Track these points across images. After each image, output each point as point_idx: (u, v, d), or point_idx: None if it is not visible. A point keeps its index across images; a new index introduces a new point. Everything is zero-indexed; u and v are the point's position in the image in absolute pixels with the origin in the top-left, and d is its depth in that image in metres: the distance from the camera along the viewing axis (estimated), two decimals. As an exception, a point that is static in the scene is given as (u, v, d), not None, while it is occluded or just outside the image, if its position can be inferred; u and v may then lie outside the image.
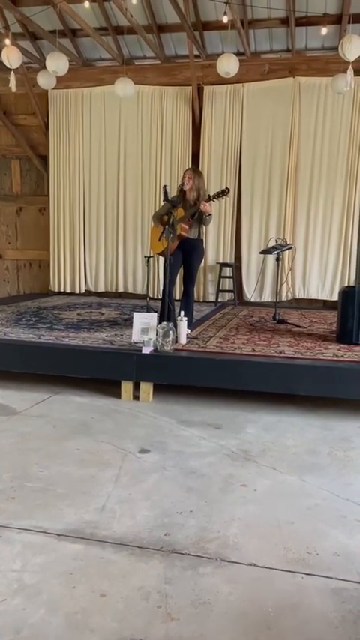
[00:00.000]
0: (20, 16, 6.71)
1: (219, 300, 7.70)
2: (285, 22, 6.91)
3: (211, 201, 5.13)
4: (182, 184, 5.23)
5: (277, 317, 6.08)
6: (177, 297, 6.26)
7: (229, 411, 4.13)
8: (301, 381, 4.14)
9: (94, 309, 6.97)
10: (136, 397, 4.34)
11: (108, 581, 2.08)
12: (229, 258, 7.83)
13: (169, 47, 7.71)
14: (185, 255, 5.25)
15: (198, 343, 4.78)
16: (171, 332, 4.36)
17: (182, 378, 4.36)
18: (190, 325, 5.13)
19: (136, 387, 4.36)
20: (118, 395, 4.36)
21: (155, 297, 7.34)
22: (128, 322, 5.60)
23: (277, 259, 6.19)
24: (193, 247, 5.23)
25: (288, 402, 4.29)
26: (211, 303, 7.64)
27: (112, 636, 1.80)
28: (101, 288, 8.42)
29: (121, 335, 5.11)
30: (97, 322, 5.88)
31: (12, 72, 6.17)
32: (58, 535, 2.39)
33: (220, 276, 7.65)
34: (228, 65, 6.33)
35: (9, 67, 6.18)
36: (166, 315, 4.81)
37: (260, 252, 6.76)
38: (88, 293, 8.47)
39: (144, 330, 4.55)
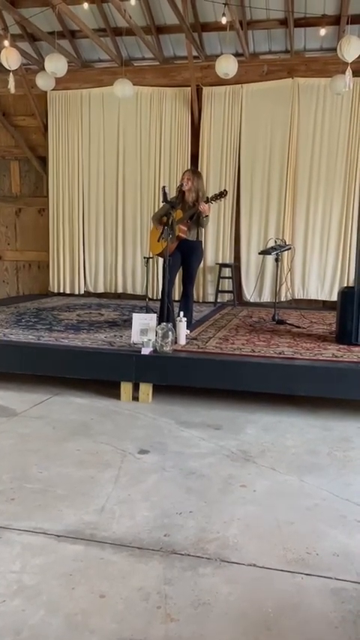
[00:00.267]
0: (19, 17, 6.71)
1: (218, 300, 7.70)
2: (283, 22, 6.92)
3: (210, 203, 5.13)
4: (181, 185, 5.23)
5: (276, 317, 6.08)
6: (176, 298, 6.27)
7: (228, 412, 4.13)
8: (301, 382, 4.14)
9: (93, 310, 6.97)
10: (135, 398, 4.34)
11: (108, 582, 2.08)
12: (229, 258, 7.83)
13: (168, 48, 7.72)
14: (184, 257, 5.25)
15: (197, 344, 4.78)
16: (170, 333, 4.36)
17: (182, 379, 4.36)
18: (190, 326, 5.13)
19: (136, 388, 4.36)
20: (117, 396, 4.36)
21: (154, 298, 7.34)
22: (127, 323, 5.60)
23: (277, 260, 6.19)
24: (191, 249, 5.23)
25: (287, 403, 4.29)
26: (211, 304, 7.64)
27: (111, 637, 1.80)
28: (100, 289, 8.42)
29: (121, 336, 5.11)
30: (96, 323, 5.88)
31: (11, 73, 6.17)
32: (58, 536, 2.39)
33: (220, 277, 7.66)
34: (227, 66, 6.34)
35: (8, 68, 6.19)
36: (165, 316, 4.81)
37: (259, 253, 6.76)
38: (88, 294, 8.47)
39: (143, 330, 4.55)
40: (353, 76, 5.96)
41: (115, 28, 7.32)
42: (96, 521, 2.52)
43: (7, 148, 8.70)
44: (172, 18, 6.66)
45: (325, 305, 7.60)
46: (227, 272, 7.71)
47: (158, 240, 4.98)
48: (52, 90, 7.68)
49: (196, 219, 5.15)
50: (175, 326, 4.58)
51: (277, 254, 6.11)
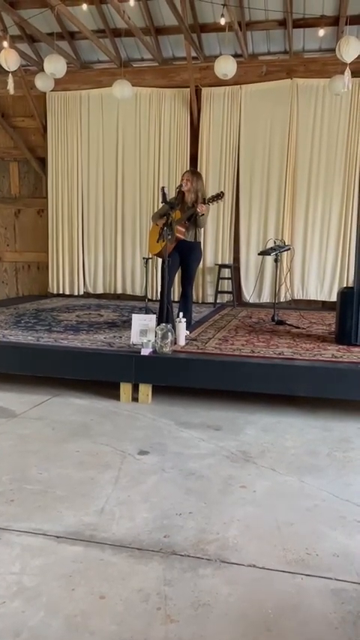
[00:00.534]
0: (18, 18, 6.71)
1: (218, 301, 7.70)
2: (282, 23, 6.92)
3: (207, 205, 5.12)
4: (180, 186, 5.23)
5: (275, 318, 6.08)
6: (176, 299, 6.27)
7: (228, 413, 4.13)
8: (300, 382, 4.14)
9: (92, 310, 6.97)
10: (135, 399, 4.34)
11: (107, 583, 2.08)
12: (228, 259, 7.83)
13: (167, 49, 7.72)
14: (183, 257, 5.24)
15: (197, 345, 4.78)
16: (170, 333, 4.36)
17: (181, 380, 4.36)
18: (189, 327, 5.13)
19: (135, 389, 4.36)
20: (117, 397, 4.36)
21: (154, 298, 7.34)
22: (127, 324, 5.60)
23: (276, 260, 6.19)
24: (190, 249, 5.22)
25: (287, 403, 4.29)
26: (210, 305, 7.64)
27: (111, 638, 1.80)
28: (100, 290, 8.42)
29: (120, 337, 5.11)
30: (95, 324, 5.88)
31: (10, 74, 6.18)
32: (58, 537, 2.39)
33: (219, 278, 7.66)
34: (225, 67, 6.34)
35: (7, 69, 6.19)
36: (164, 317, 4.81)
37: (259, 254, 6.76)
38: (87, 295, 8.47)
39: (143, 331, 4.55)
40: (352, 77, 5.96)
41: (114, 29, 7.32)
42: (96, 522, 2.51)
43: (6, 149, 8.70)
44: (171, 19, 6.66)
45: (325, 305, 7.61)
46: (227, 273, 7.71)
47: (157, 241, 4.98)
48: (52, 91, 7.70)
49: (195, 220, 5.14)
50: (174, 327, 4.58)
51: (276, 255, 6.11)
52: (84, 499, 2.73)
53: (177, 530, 2.46)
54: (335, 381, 4.10)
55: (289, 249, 6.78)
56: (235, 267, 7.78)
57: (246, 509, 2.66)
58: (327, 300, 7.56)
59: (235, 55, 7.04)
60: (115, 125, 8.04)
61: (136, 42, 7.45)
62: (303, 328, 5.77)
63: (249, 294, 7.80)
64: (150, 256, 6.23)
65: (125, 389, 4.35)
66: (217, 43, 7.42)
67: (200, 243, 5.49)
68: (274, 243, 6.46)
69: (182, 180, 5.25)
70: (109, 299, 8.26)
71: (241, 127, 7.62)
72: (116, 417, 4.01)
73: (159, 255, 5.20)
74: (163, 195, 4.83)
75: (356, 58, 5.79)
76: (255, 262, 7.70)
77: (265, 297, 7.75)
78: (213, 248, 7.87)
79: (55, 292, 8.51)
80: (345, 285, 7.10)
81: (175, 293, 6.93)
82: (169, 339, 4.35)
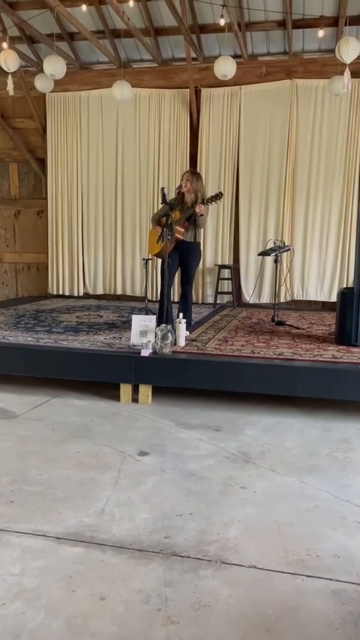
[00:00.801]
0: (17, 19, 6.72)
1: (217, 302, 7.70)
2: (282, 24, 6.93)
3: (206, 205, 5.12)
4: (180, 186, 5.23)
5: (275, 319, 6.08)
6: (176, 300, 6.26)
7: (228, 413, 4.13)
8: (300, 383, 4.13)
9: (92, 311, 6.96)
10: (135, 400, 4.34)
11: (108, 584, 2.07)
12: (228, 260, 7.83)
13: (167, 50, 7.72)
14: (182, 258, 5.24)
15: (197, 345, 4.78)
16: (170, 334, 4.36)
17: (181, 381, 4.36)
18: (189, 327, 5.13)
19: (135, 390, 4.36)
20: (117, 397, 4.36)
21: (154, 299, 7.34)
22: (127, 325, 5.60)
23: (276, 261, 6.19)
24: (189, 250, 5.22)
25: (287, 404, 4.29)
26: (210, 305, 7.64)
27: (112, 640, 1.79)
28: (100, 291, 8.42)
29: (120, 337, 5.11)
30: (95, 325, 5.88)
31: (10, 75, 6.18)
32: (58, 539, 2.38)
33: (219, 278, 7.66)
34: (225, 68, 6.34)
35: (6, 70, 6.19)
36: (164, 318, 4.81)
37: (258, 254, 6.76)
38: (87, 296, 8.46)
39: (143, 332, 4.55)
40: (352, 77, 5.96)
41: (114, 30, 7.33)
42: (96, 523, 2.51)
43: (5, 150, 8.69)
44: (171, 20, 6.67)
45: (325, 306, 7.60)
46: (226, 273, 7.71)
47: (157, 242, 4.98)
48: (51, 92, 7.71)
49: (194, 221, 5.14)
50: (174, 327, 4.58)
51: (276, 255, 6.11)
52: (84, 500, 2.73)
53: (177, 531, 2.45)
54: (335, 382, 4.10)
55: (289, 249, 6.78)
56: (235, 268, 7.78)
57: (246, 510, 2.66)
58: (327, 300, 7.56)
59: (235, 56, 7.04)
60: (115, 126, 8.04)
61: (135, 43, 7.45)
62: (303, 329, 5.77)
63: (249, 295, 7.80)
64: (150, 257, 6.23)
65: (125, 390, 4.35)
66: (217, 44, 7.42)
67: (200, 243, 5.49)
68: (274, 243, 6.46)
69: (182, 180, 5.25)
70: (108, 300, 8.26)
71: (240, 127, 7.62)
72: (116, 417, 4.00)
73: (158, 255, 5.20)
74: (163, 196, 4.84)
75: (356, 59, 5.79)
76: (255, 263, 7.70)
77: (265, 298, 7.75)
78: (213, 248, 7.87)
79: (54, 293, 8.51)
80: (345, 286, 7.11)
81: (175, 294, 6.93)
82: (169, 340, 4.35)
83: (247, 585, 2.09)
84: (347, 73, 5.80)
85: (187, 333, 4.91)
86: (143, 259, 6.94)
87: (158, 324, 4.52)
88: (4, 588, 2.04)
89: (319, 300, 7.66)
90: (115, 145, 8.08)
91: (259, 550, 2.31)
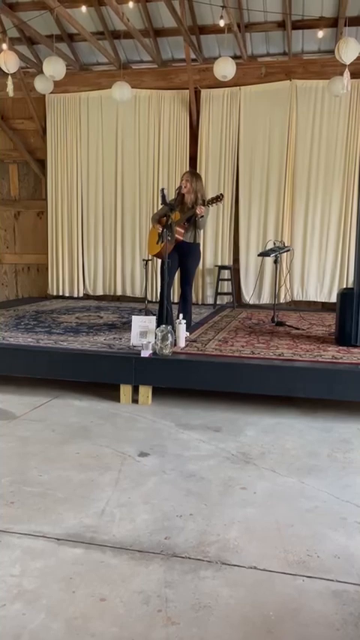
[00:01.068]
0: (17, 20, 6.72)
1: (217, 302, 7.70)
2: (281, 25, 6.93)
3: (206, 207, 5.11)
4: (180, 187, 5.23)
5: (275, 319, 6.08)
6: (175, 300, 6.26)
7: (228, 414, 4.12)
8: (300, 384, 4.14)
9: (92, 312, 6.96)
10: (135, 400, 4.34)
11: (108, 585, 2.07)
12: (227, 260, 7.83)
13: (166, 51, 7.73)
14: (181, 259, 5.24)
15: (197, 346, 4.77)
16: (170, 335, 4.36)
17: (181, 381, 4.36)
18: (189, 328, 5.13)
19: (135, 391, 4.36)
20: (117, 398, 4.36)
21: (153, 300, 7.34)
22: (127, 325, 5.60)
23: (275, 262, 6.19)
24: (188, 250, 5.22)
25: (287, 405, 4.29)
26: (210, 306, 7.64)
27: (112, 641, 1.79)
28: (99, 292, 8.42)
29: (120, 338, 5.11)
30: (95, 326, 5.88)
31: (9, 76, 6.19)
32: (58, 540, 2.38)
33: (219, 279, 7.66)
34: (225, 68, 6.35)
35: (6, 71, 6.20)
36: (164, 318, 4.81)
37: (258, 255, 6.76)
38: (87, 297, 8.46)
39: (143, 333, 4.55)
40: (351, 78, 5.97)
41: (114, 31, 7.33)
42: (96, 524, 2.51)
43: (5, 151, 8.69)
44: (170, 21, 6.67)
45: (325, 306, 7.61)
46: (226, 274, 7.71)
47: (157, 243, 4.98)
48: (51, 93, 7.71)
49: (194, 222, 5.14)
50: (174, 328, 4.58)
51: (276, 256, 6.10)
52: (84, 501, 2.73)
53: (177, 531, 2.45)
54: (335, 383, 4.10)
55: (289, 250, 6.78)
56: (235, 269, 7.78)
57: (246, 511, 2.65)
58: (327, 301, 7.56)
59: (234, 57, 7.04)
60: (115, 127, 8.05)
61: (135, 44, 7.46)
62: (303, 329, 5.77)
63: (249, 296, 7.80)
64: (150, 258, 6.23)
65: (125, 391, 4.35)
66: (216, 45, 7.43)
67: (199, 244, 5.48)
68: (274, 244, 6.46)
69: (181, 181, 5.25)
70: (108, 301, 8.26)
71: (240, 128, 7.62)
72: (116, 418, 4.00)
73: (158, 255, 5.20)
74: (163, 196, 4.83)
75: (355, 60, 5.80)
76: (255, 263, 7.70)
77: (265, 299, 7.75)
78: (212, 249, 7.87)
79: (54, 294, 8.51)
80: (345, 287, 7.11)
81: (175, 294, 6.93)
82: (169, 341, 4.35)
83: (248, 586, 2.08)
84: (347, 73, 5.80)
85: (187, 333, 4.91)
86: (143, 260, 6.94)
87: (158, 325, 4.52)
88: (4, 589, 2.04)
89: (318, 300, 7.66)
90: (114, 146, 8.09)
91: (259, 551, 2.31)
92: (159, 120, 7.86)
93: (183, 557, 2.25)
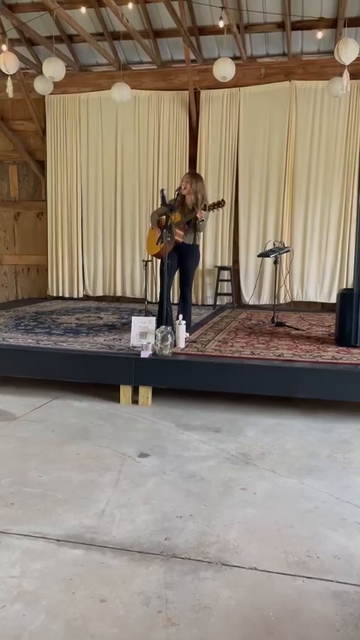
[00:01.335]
0: (17, 21, 6.72)
1: (217, 303, 7.70)
2: (281, 26, 6.93)
3: (207, 211, 5.10)
4: (180, 188, 5.23)
5: (275, 320, 6.08)
6: (175, 301, 6.26)
7: (228, 415, 4.12)
8: (300, 384, 4.13)
9: (92, 313, 6.96)
10: (135, 401, 4.33)
11: (108, 586, 2.07)
12: (227, 261, 7.82)
13: (166, 52, 7.73)
14: (180, 259, 5.23)
15: (197, 347, 4.77)
16: (169, 336, 4.36)
17: (181, 382, 4.36)
18: (189, 329, 5.13)
19: (135, 391, 4.36)
20: (117, 399, 4.36)
21: (153, 301, 7.34)
22: (127, 326, 5.60)
23: (275, 262, 6.19)
24: (188, 251, 5.22)
25: (287, 405, 4.29)
26: (210, 307, 7.64)
27: (112, 642, 1.79)
28: (99, 293, 8.42)
29: (120, 339, 5.11)
30: (95, 327, 5.88)
31: (9, 78, 6.19)
32: (58, 540, 2.38)
33: (218, 280, 7.66)
34: (224, 69, 6.35)
35: (6, 72, 6.20)
36: (164, 319, 4.81)
37: (258, 256, 6.76)
38: (87, 297, 8.46)
39: (142, 334, 4.55)
40: (351, 79, 5.97)
41: (113, 32, 7.33)
42: (96, 525, 2.51)
43: (5, 153, 8.70)
44: (170, 22, 6.67)
45: (324, 307, 7.61)
46: (226, 275, 7.71)
47: (157, 244, 4.98)
48: (50, 94, 7.71)
49: (194, 224, 5.13)
50: (174, 329, 4.58)
51: (275, 256, 6.11)
52: (84, 502, 2.73)
53: (177, 532, 2.45)
54: (335, 383, 4.10)
55: (289, 250, 6.79)
56: (235, 269, 7.78)
57: (246, 512, 2.65)
58: (326, 301, 7.56)
59: (234, 58, 7.05)
60: (114, 128, 8.05)
61: (134, 45, 7.46)
62: (303, 330, 5.76)
63: (248, 296, 7.80)
64: (149, 258, 6.22)
65: (125, 391, 4.35)
66: (216, 46, 7.43)
67: (199, 246, 5.48)
68: (274, 245, 6.46)
69: (182, 182, 5.24)
70: (108, 301, 8.26)
71: (240, 129, 7.62)
72: (116, 419, 4.00)
73: (157, 255, 5.20)
74: (162, 197, 4.83)
75: (355, 60, 5.81)
76: (254, 264, 7.70)
77: (265, 299, 7.75)
78: (212, 250, 7.87)
79: (54, 295, 8.51)
80: (344, 287, 7.11)
81: (175, 295, 6.93)
82: (168, 342, 4.35)
83: (248, 587, 2.08)
84: (346, 74, 5.81)
85: (187, 334, 4.91)
86: (143, 261, 6.94)
87: (158, 326, 4.52)
88: (4, 590, 2.03)
89: (318, 301, 7.66)
90: (114, 147, 8.09)
91: (259, 551, 2.31)
92: (159, 121, 7.87)
93: (183, 558, 2.25)
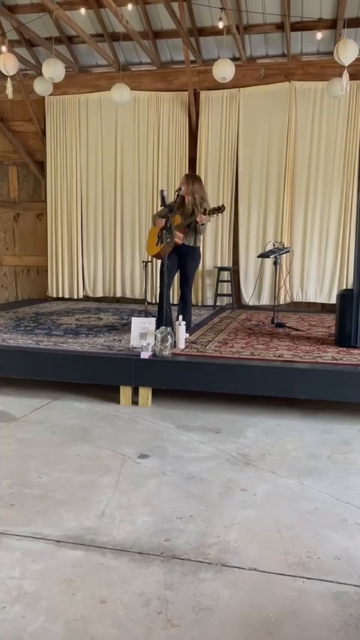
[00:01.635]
0: (16, 23, 6.73)
1: (217, 304, 7.70)
2: (280, 26, 6.94)
3: (208, 216, 5.09)
4: (179, 189, 5.23)
5: (275, 320, 6.08)
6: (175, 302, 6.26)
7: (228, 415, 4.12)
8: (300, 385, 4.13)
9: (92, 314, 6.96)
10: (135, 402, 4.33)
11: (108, 587, 2.07)
12: (227, 262, 7.83)
13: (165, 53, 7.74)
14: (181, 260, 5.23)
15: (197, 347, 4.77)
16: (169, 336, 4.36)
17: (181, 383, 4.35)
18: (189, 329, 5.12)
19: (135, 392, 4.35)
20: (117, 400, 4.35)
21: (153, 301, 7.34)
22: (126, 327, 5.60)
23: (275, 263, 6.19)
24: (188, 253, 5.21)
25: (287, 406, 4.29)
26: (210, 307, 7.64)
27: (112, 643, 1.79)
28: (99, 294, 8.42)
29: (120, 340, 5.11)
30: (95, 327, 5.87)
31: (9, 79, 6.20)
32: (58, 542, 2.38)
33: (218, 281, 7.66)
34: (224, 70, 6.35)
35: (5, 73, 6.21)
36: (164, 320, 4.81)
37: (258, 256, 6.76)
38: (86, 298, 8.46)
39: (142, 334, 4.55)
40: (350, 80, 5.97)
41: (113, 33, 7.34)
42: (96, 526, 2.51)
43: (5, 153, 8.71)
44: (169, 23, 6.68)
45: (324, 308, 7.61)
46: (226, 275, 7.71)
47: (157, 244, 4.98)
48: (50, 95, 7.72)
49: (194, 227, 5.13)
50: (174, 330, 4.58)
51: (275, 257, 6.11)
52: (84, 503, 2.73)
53: (177, 533, 2.45)
54: (335, 384, 4.09)
55: (289, 251, 6.79)
56: (235, 270, 7.78)
57: (246, 513, 2.65)
58: (326, 302, 7.57)
59: (233, 59, 7.07)
60: (114, 129, 8.05)
61: (134, 46, 7.46)
62: (303, 331, 5.76)
63: (248, 297, 7.80)
64: (149, 259, 6.22)
65: (125, 392, 4.35)
66: (215, 47, 7.44)
67: (199, 247, 5.47)
68: (273, 245, 6.47)
69: (181, 184, 5.24)
70: (108, 302, 8.27)
71: (239, 130, 7.63)
72: (116, 420, 4.00)
73: (156, 256, 5.20)
74: (162, 198, 4.84)
75: (354, 61, 5.81)
76: (254, 265, 7.70)
77: (265, 300, 7.75)
78: (212, 251, 7.88)
79: (54, 296, 8.51)
80: (344, 288, 7.12)
81: (175, 296, 6.93)
82: (168, 342, 4.35)
83: (248, 588, 2.08)
84: (346, 75, 5.81)
85: (187, 335, 4.91)
86: (143, 262, 6.94)
87: (158, 327, 4.52)
88: (4, 592, 2.03)
89: (318, 301, 7.67)
90: (114, 148, 8.09)
91: (259, 552, 2.31)
92: (158, 122, 7.87)
93: (183, 559, 2.25)
